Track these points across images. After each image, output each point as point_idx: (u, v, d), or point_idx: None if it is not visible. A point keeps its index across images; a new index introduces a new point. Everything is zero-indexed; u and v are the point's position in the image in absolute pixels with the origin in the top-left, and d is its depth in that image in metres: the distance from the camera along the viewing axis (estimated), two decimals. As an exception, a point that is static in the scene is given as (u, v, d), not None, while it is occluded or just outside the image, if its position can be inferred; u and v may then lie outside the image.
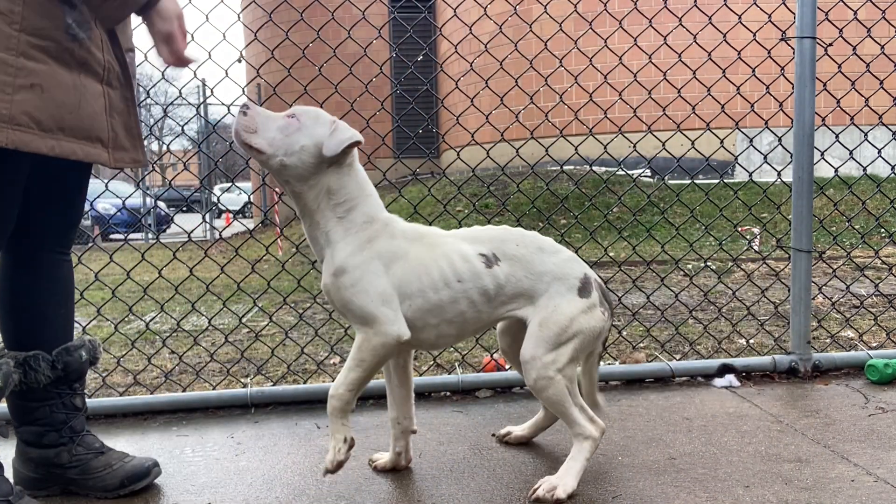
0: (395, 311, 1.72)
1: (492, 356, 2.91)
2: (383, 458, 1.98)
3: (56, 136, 1.54)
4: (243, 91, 2.91)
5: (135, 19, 1.77)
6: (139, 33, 1.89)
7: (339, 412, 1.74)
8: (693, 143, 3.28)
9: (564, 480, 1.75)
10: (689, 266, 6.04)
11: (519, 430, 2.15)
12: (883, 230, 7.43)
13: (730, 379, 2.70)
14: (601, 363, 2.30)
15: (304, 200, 1.76)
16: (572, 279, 1.80)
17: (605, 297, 1.86)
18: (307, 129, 1.72)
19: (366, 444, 2.15)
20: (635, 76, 3.14)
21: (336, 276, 1.72)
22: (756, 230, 7.15)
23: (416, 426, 1.98)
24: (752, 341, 3.28)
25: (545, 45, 3.12)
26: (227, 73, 2.77)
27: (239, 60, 3.12)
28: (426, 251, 1.78)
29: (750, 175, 3.30)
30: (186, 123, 3.29)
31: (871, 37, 3.25)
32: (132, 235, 13.64)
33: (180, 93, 3.12)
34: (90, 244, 5.65)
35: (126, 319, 4.35)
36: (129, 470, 1.85)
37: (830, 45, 3.11)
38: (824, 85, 3.12)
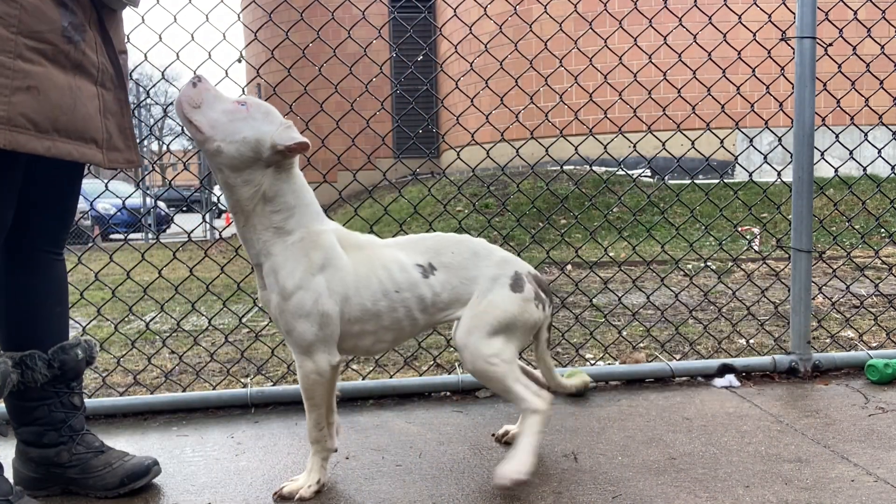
0: (331, 337, 1.75)
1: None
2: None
3: (52, 136, 1.54)
4: (243, 91, 2.91)
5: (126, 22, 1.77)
6: (135, 35, 1.89)
7: (320, 451, 1.84)
8: (693, 143, 3.28)
9: (520, 459, 1.76)
10: (689, 266, 6.04)
11: (515, 427, 2.16)
12: (883, 230, 7.43)
13: (730, 379, 2.70)
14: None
15: (237, 196, 1.71)
16: (504, 278, 1.85)
17: (544, 290, 1.89)
18: (254, 121, 1.67)
19: (366, 444, 2.15)
20: (635, 76, 3.14)
21: (283, 300, 1.72)
22: (756, 230, 7.15)
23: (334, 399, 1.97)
24: (752, 341, 3.28)
25: (545, 45, 3.12)
26: (227, 73, 2.77)
27: (239, 60, 3.12)
28: (365, 262, 1.79)
29: (750, 175, 3.30)
30: (187, 123, 3.28)
31: (871, 37, 3.25)
32: (132, 235, 13.65)
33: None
34: (90, 244, 5.65)
35: (126, 319, 4.35)
36: (129, 468, 1.85)
37: (830, 45, 3.11)
38: (824, 85, 3.12)
